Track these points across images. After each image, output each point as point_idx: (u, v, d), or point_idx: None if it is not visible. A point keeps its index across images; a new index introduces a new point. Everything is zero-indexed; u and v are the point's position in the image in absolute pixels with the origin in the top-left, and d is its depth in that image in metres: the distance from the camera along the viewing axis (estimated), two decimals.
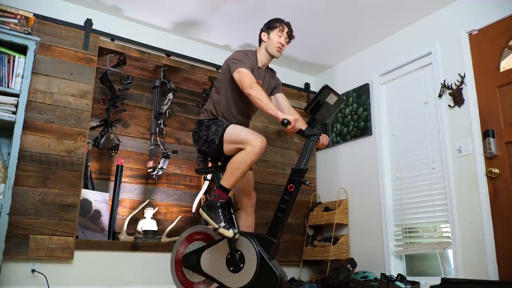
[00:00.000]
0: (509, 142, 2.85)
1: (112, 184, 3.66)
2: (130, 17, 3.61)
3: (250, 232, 2.52)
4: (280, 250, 2.49)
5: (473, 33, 3.14)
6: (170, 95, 3.88)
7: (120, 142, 3.74)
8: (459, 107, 3.13)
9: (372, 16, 3.51)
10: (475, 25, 3.11)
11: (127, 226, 3.49)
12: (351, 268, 3.37)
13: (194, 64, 3.87)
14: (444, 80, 3.24)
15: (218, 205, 2.38)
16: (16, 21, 2.65)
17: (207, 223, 2.42)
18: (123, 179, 3.70)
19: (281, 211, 2.40)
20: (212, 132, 2.55)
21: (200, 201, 3.94)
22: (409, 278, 3.19)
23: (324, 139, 2.61)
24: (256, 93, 2.42)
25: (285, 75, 4.11)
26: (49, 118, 3.05)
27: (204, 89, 4.11)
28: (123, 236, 3.40)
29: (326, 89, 2.48)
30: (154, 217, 3.71)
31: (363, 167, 3.85)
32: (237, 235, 2.31)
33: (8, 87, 2.58)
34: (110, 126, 3.64)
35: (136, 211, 3.63)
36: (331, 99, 2.52)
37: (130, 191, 3.82)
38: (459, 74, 3.15)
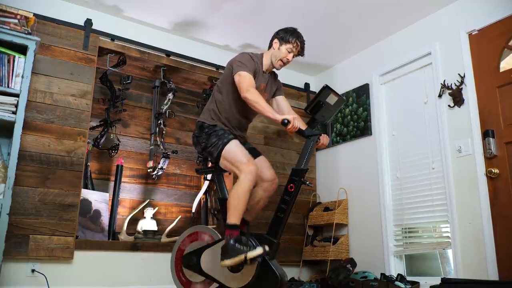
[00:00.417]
0: (509, 142, 2.86)
1: (112, 184, 3.66)
2: (130, 17, 3.61)
3: (250, 232, 2.52)
4: (280, 250, 2.49)
5: (473, 33, 3.14)
6: (170, 95, 3.87)
7: (120, 142, 3.74)
8: (459, 107, 3.13)
9: (372, 16, 3.51)
10: (475, 25, 3.11)
11: (127, 226, 3.49)
12: (351, 268, 3.37)
13: (194, 64, 3.87)
14: (444, 80, 3.24)
15: (232, 242, 2.30)
16: (16, 21, 2.65)
17: (207, 223, 2.42)
18: (123, 179, 3.70)
19: (281, 211, 2.41)
20: (211, 144, 2.56)
21: (200, 201, 3.94)
22: (409, 278, 3.19)
23: (324, 139, 2.61)
24: (253, 96, 2.43)
25: (285, 75, 4.10)
26: (49, 118, 3.05)
27: (204, 89, 4.11)
28: (123, 236, 3.40)
29: (326, 89, 2.49)
30: (154, 217, 3.71)
31: (363, 167, 3.86)
32: (266, 247, 2.25)
33: (8, 87, 2.58)
34: (110, 126, 3.64)
35: (136, 211, 3.63)
36: (331, 99, 2.52)
37: (130, 191, 3.81)
38: (459, 74, 3.15)
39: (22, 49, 2.65)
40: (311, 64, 4.37)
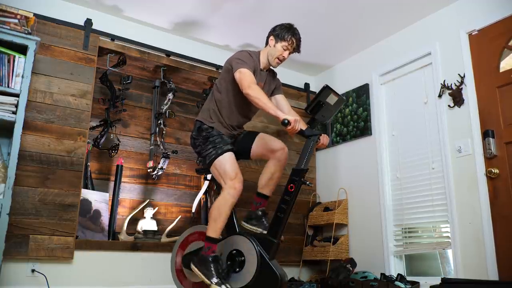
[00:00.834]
0: (509, 142, 2.86)
1: (112, 184, 3.66)
2: (130, 17, 3.61)
3: (250, 232, 2.52)
4: (280, 250, 2.49)
5: (473, 34, 3.14)
6: (170, 95, 3.87)
7: (120, 142, 3.73)
8: (459, 107, 3.13)
9: (372, 16, 3.52)
10: (475, 25, 3.11)
11: (127, 226, 3.48)
12: (351, 268, 3.37)
13: (194, 64, 3.87)
14: (444, 80, 3.24)
15: (210, 259, 2.35)
16: (16, 21, 2.65)
17: (207, 223, 2.42)
18: (123, 179, 3.70)
19: (282, 211, 2.41)
20: (205, 150, 2.58)
21: (200, 201, 3.94)
22: (409, 278, 3.19)
23: (324, 139, 2.61)
24: (255, 93, 2.42)
25: (285, 75, 4.10)
26: (49, 118, 3.05)
27: (204, 89, 4.11)
28: (123, 236, 3.40)
29: (327, 89, 2.49)
30: (154, 217, 3.71)
31: (363, 167, 3.86)
32: None
33: (8, 87, 2.58)
34: (110, 126, 3.64)
35: (136, 211, 3.63)
36: (332, 99, 2.52)
37: (130, 191, 3.81)
38: (459, 74, 3.15)
39: (22, 49, 2.65)
40: (311, 64, 4.37)
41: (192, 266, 2.42)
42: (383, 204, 3.59)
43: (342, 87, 4.20)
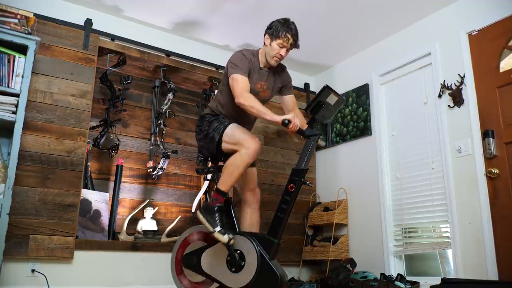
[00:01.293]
0: (509, 143, 2.86)
1: (112, 184, 3.66)
2: (130, 17, 3.61)
3: (250, 232, 2.52)
4: (280, 250, 2.49)
5: (472, 34, 3.14)
6: (170, 95, 3.87)
7: (120, 142, 3.73)
8: (459, 107, 3.13)
9: (372, 16, 3.52)
10: (475, 25, 3.11)
11: (127, 226, 3.49)
12: (350, 268, 3.38)
13: (194, 64, 3.87)
14: (444, 81, 3.24)
15: (216, 209, 2.38)
16: (16, 21, 2.65)
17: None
18: (123, 179, 3.70)
19: (282, 211, 2.40)
20: (213, 128, 2.55)
21: (200, 201, 3.94)
22: (408, 278, 3.19)
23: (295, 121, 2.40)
24: (247, 101, 2.41)
25: None
26: (49, 118, 3.05)
27: (204, 89, 4.11)
28: (123, 236, 3.40)
29: (327, 89, 2.48)
30: (154, 217, 3.71)
31: (363, 167, 3.86)
32: (232, 241, 2.33)
33: (8, 87, 2.58)
34: (110, 126, 3.64)
35: (136, 211, 3.63)
36: (332, 99, 2.52)
37: (130, 191, 3.81)
38: (458, 74, 3.15)
39: (22, 49, 2.65)
40: (311, 64, 4.37)
41: (198, 213, 2.43)
42: (383, 204, 3.59)
43: (342, 87, 4.20)
